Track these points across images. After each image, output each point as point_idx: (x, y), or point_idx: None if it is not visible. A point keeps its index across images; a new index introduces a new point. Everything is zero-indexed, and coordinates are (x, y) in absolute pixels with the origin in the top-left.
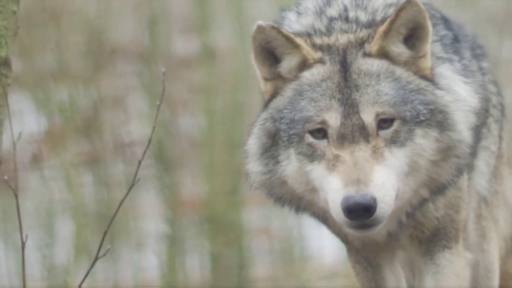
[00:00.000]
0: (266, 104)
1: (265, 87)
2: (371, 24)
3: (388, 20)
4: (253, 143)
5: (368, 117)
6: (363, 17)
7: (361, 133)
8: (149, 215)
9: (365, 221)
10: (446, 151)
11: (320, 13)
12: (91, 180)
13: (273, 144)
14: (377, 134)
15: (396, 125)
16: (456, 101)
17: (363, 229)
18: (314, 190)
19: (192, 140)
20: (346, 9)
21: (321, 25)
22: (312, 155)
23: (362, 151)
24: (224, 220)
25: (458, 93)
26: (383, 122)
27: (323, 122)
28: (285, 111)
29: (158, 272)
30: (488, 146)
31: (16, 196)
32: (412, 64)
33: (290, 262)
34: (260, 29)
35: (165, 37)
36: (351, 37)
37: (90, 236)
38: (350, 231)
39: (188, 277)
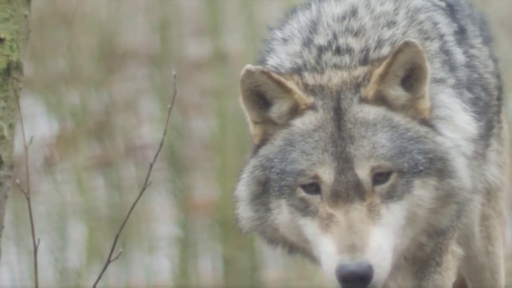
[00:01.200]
0: (256, 150)
1: (255, 131)
2: (366, 58)
3: (385, 63)
4: (243, 189)
5: (363, 172)
6: (355, 44)
7: (356, 191)
8: (161, 218)
9: None
10: (446, 199)
11: (308, 42)
12: (103, 183)
13: (263, 192)
14: (373, 190)
15: (392, 178)
16: (456, 146)
17: None
18: (307, 241)
19: (204, 143)
20: (335, 36)
21: (310, 57)
22: (305, 210)
23: (357, 210)
24: (235, 223)
25: (458, 124)
26: (379, 176)
27: (316, 177)
28: (275, 160)
29: (170, 275)
30: (498, 133)
31: (28, 199)
32: (410, 108)
33: (302, 264)
34: (249, 73)
35: (176, 41)
36: (345, 76)
37: (102, 239)
38: None
39: (200, 280)
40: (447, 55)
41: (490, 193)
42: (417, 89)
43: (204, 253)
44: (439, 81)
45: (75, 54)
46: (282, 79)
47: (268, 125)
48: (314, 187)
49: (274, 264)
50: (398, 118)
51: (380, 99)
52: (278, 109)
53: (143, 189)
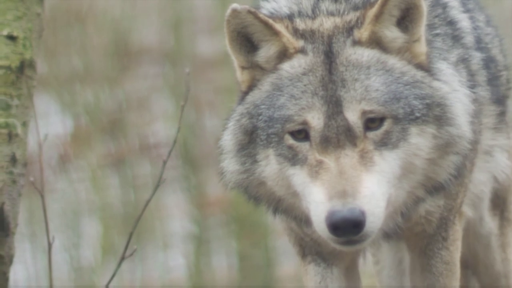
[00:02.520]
0: (243, 97)
1: (242, 77)
2: (363, 4)
3: (379, 2)
4: (229, 139)
5: (353, 115)
6: None
7: (347, 136)
8: (176, 215)
9: (353, 237)
10: (444, 148)
11: None
12: (117, 181)
13: (250, 142)
14: (365, 136)
15: (386, 124)
16: (455, 91)
17: (350, 245)
18: (296, 194)
19: (218, 140)
20: None
21: (308, 4)
22: (293, 158)
23: (349, 156)
24: (250, 220)
25: (456, 88)
26: (372, 122)
27: (305, 123)
28: (262, 107)
29: (185, 272)
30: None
31: (42, 197)
32: (406, 51)
33: None
34: (235, 13)
35: (189, 38)
36: (338, 21)
37: (116, 236)
38: (335, 247)
39: (215, 277)
40: (451, 26)
41: (499, 197)
42: (413, 31)
43: (219, 250)
44: (437, 52)
45: (89, 52)
46: (270, 20)
47: (256, 70)
48: (303, 133)
49: (288, 260)
50: (393, 61)
51: (375, 41)
52: (266, 52)
53: (157, 186)
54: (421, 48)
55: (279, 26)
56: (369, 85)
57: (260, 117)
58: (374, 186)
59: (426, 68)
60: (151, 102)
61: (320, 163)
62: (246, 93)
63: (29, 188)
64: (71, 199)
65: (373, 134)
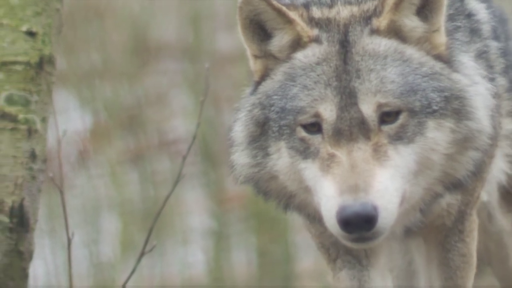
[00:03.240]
0: (256, 87)
1: (255, 66)
2: None
3: None
4: (240, 130)
5: (368, 108)
6: None
7: (360, 129)
8: (195, 211)
9: (364, 234)
10: (463, 143)
11: None
12: (136, 177)
13: (262, 134)
14: (379, 129)
15: (402, 118)
16: (475, 84)
17: (362, 242)
18: (307, 189)
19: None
20: None
21: None
22: (305, 152)
23: (361, 150)
24: (269, 216)
25: (477, 81)
26: (387, 116)
27: (317, 115)
28: (275, 97)
29: (204, 268)
30: None
31: (61, 193)
32: (425, 41)
33: None
34: (248, 0)
35: (209, 34)
36: (355, 10)
37: (136, 232)
38: (346, 244)
39: (234, 273)
40: (470, 19)
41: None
42: (433, 20)
43: (238, 245)
44: (458, 45)
45: (108, 47)
46: (283, 8)
47: (269, 60)
48: (315, 126)
49: (308, 256)
50: (412, 52)
51: (393, 30)
52: (279, 41)
53: (177, 182)
54: (441, 38)
55: (293, 14)
56: (385, 76)
57: (272, 108)
58: (387, 181)
59: (445, 59)
60: (170, 97)
61: (332, 156)
62: (258, 82)
63: (48, 184)
64: (90, 195)
65: (388, 128)
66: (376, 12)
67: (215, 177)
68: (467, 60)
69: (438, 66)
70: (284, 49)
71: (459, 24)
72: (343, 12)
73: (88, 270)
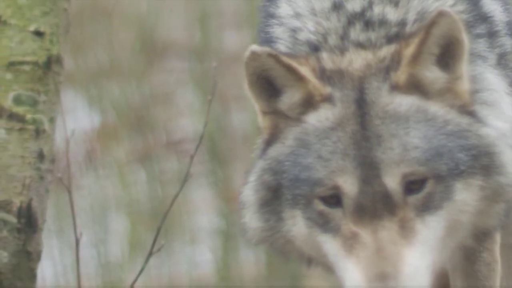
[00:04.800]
0: (265, 149)
1: (264, 122)
2: (397, 34)
3: (417, 40)
4: (250, 194)
5: (392, 181)
6: (392, 15)
7: (384, 204)
8: (203, 210)
9: None
10: (493, 198)
11: (339, 5)
12: (144, 176)
13: (275, 198)
14: (405, 202)
15: (429, 186)
16: (503, 136)
17: None
18: (328, 260)
19: (245, 135)
20: (370, 3)
21: (338, 26)
22: (325, 225)
23: (387, 228)
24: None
25: (505, 112)
26: (412, 184)
27: (336, 188)
28: (287, 163)
29: (212, 267)
30: None
31: (69, 192)
32: (447, 92)
33: None
34: (254, 56)
35: (216, 33)
36: (370, 58)
37: (144, 232)
38: None
39: (242, 272)
40: (486, 21)
41: None
42: (454, 68)
43: (246, 244)
44: (480, 57)
45: (115, 47)
46: (293, 64)
47: (279, 118)
48: (334, 199)
49: None
50: (435, 108)
51: (413, 85)
52: (289, 99)
53: (184, 181)
54: (464, 86)
55: (304, 70)
56: (408, 142)
57: (285, 175)
58: (417, 261)
59: (470, 111)
60: (178, 96)
61: (355, 235)
62: (268, 143)
63: (56, 184)
64: (98, 195)
65: (414, 199)
66: (393, 64)
67: (222, 176)
68: (490, 75)
69: (464, 122)
70: (294, 107)
71: (478, 31)
72: (356, 61)
73: (96, 270)
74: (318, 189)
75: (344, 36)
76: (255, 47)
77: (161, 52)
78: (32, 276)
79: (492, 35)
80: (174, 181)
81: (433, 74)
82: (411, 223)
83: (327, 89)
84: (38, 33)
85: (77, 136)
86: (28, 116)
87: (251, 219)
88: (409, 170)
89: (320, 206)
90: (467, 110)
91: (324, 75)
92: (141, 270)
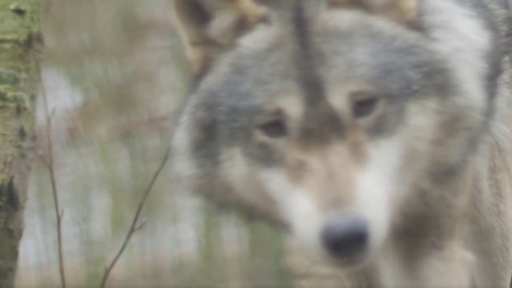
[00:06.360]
0: (196, 83)
1: (194, 54)
2: None
3: None
4: (182, 137)
5: (338, 100)
6: None
7: (332, 126)
8: None
9: (355, 255)
10: (452, 124)
11: None
12: (126, 154)
13: (210, 138)
14: (355, 124)
15: (380, 107)
16: (457, 51)
17: (351, 264)
18: (272, 201)
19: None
20: None
21: None
22: (267, 159)
23: (337, 153)
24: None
25: (459, 32)
26: (361, 105)
27: (279, 112)
28: (221, 94)
29: (195, 245)
30: (509, 79)
31: (51, 170)
32: (392, 8)
33: None
34: None
35: None
36: None
37: (127, 210)
38: (333, 268)
39: (225, 250)
40: None
41: (498, 148)
42: None
43: (229, 222)
44: None
45: (97, 25)
46: None
47: (210, 47)
48: (277, 126)
49: None
50: (380, 23)
51: (356, 0)
52: (221, 24)
53: (166, 158)
54: (410, 1)
55: None
56: (354, 58)
57: (221, 108)
58: (372, 187)
59: (418, 26)
60: (160, 75)
61: (302, 164)
62: (199, 77)
63: (38, 162)
64: (80, 173)
65: (364, 121)
66: None
67: None
68: (441, 1)
69: (412, 37)
70: (227, 32)
71: None
72: None
73: (79, 247)
74: (259, 117)
75: None
76: None
77: (143, 31)
78: (14, 254)
79: None
80: (157, 159)
81: None
82: (363, 147)
83: (261, 9)
84: (19, 11)
85: (60, 114)
86: (9, 94)
87: (185, 166)
88: (356, 89)
89: (261, 136)
90: (415, 26)
91: None
92: (123, 247)
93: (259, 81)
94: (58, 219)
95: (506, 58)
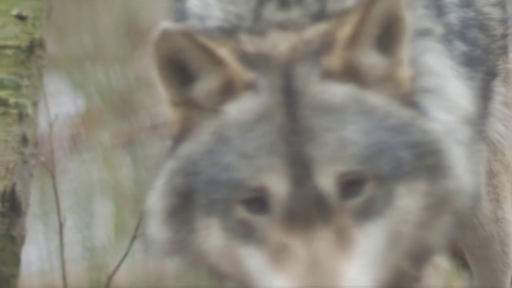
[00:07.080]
0: (175, 146)
1: (174, 115)
2: (321, 12)
3: (354, 20)
4: (157, 201)
5: (326, 182)
6: None
7: (318, 209)
8: None
9: None
10: (439, 207)
11: None
12: (129, 160)
13: (186, 205)
14: (341, 208)
15: (368, 189)
16: (451, 131)
17: None
18: (251, 278)
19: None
20: None
21: (246, 9)
22: (247, 236)
23: (322, 239)
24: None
25: (451, 98)
26: (349, 186)
27: (263, 189)
28: (202, 163)
29: None
30: (506, 78)
31: (53, 177)
32: (387, 80)
33: None
34: (166, 35)
35: None
36: (294, 40)
37: (129, 216)
38: None
39: None
40: None
41: (495, 149)
42: (395, 52)
43: None
44: (423, 33)
45: (99, 31)
46: (211, 45)
47: (192, 109)
48: (259, 203)
49: None
50: (374, 99)
51: (350, 72)
52: (205, 86)
53: None
54: (405, 71)
55: (223, 52)
56: (344, 136)
57: (200, 177)
58: (357, 276)
59: (412, 101)
60: None
61: (284, 247)
62: (179, 140)
63: (40, 168)
64: (82, 179)
65: (352, 204)
66: (323, 47)
67: None
68: (431, 56)
69: (407, 115)
70: (211, 96)
71: (421, 1)
72: (280, 44)
73: (82, 254)
74: (241, 192)
75: (257, 19)
76: (167, 26)
77: (145, 36)
78: (17, 260)
79: (438, 6)
80: None
81: (372, 60)
82: (349, 233)
83: (249, 75)
84: (21, 17)
85: (62, 120)
86: (11, 100)
87: (158, 230)
88: (345, 169)
89: (242, 212)
90: (409, 101)
91: (245, 58)
92: (125, 254)
93: (243, 154)
94: (61, 226)
95: (501, 60)
